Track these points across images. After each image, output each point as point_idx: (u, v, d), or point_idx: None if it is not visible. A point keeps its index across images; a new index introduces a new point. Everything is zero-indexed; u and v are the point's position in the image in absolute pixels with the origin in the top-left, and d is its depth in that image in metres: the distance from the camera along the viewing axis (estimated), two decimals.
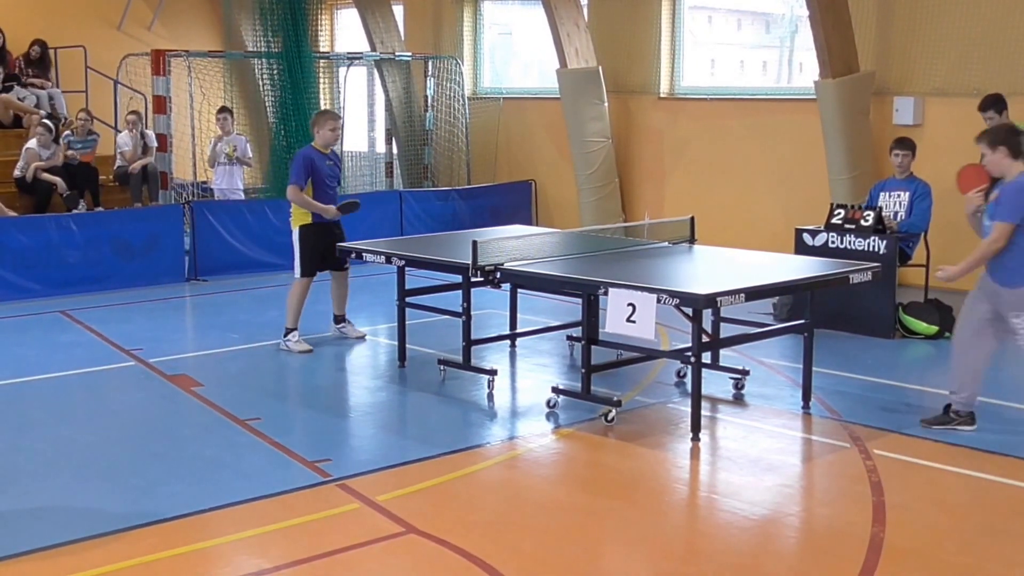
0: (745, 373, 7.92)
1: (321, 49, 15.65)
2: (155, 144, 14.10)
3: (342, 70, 16.18)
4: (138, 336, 9.62)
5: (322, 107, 15.01)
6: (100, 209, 13.53)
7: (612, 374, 7.99)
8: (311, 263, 9.14)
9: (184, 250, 12.52)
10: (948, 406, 6.95)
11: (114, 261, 11.94)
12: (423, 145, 16.66)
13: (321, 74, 15.24)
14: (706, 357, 7.56)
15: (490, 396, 7.81)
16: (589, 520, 5.62)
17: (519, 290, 9.22)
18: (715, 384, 7.81)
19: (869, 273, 7.35)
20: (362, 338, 9.55)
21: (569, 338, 9.05)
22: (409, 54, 16.50)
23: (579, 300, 7.34)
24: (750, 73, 15.21)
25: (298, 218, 9.15)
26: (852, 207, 9.84)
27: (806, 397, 7.50)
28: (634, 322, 6.58)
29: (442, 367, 8.26)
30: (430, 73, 16.57)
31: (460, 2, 16.68)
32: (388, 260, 8.48)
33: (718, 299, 6.58)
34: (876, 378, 8.24)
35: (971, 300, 6.88)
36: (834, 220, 9.84)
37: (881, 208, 9.69)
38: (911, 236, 9.68)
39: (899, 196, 9.80)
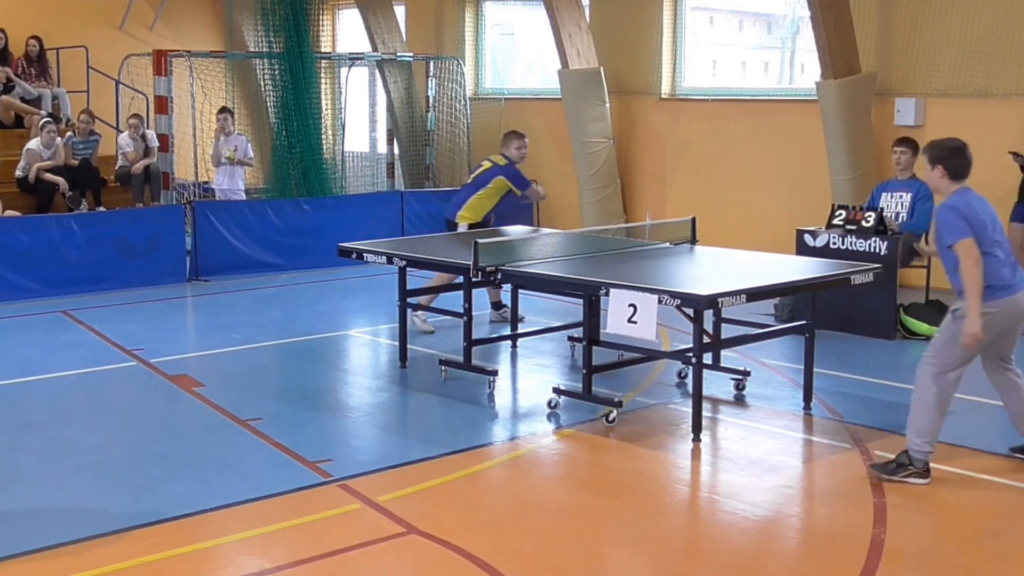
0: (746, 374, 7.92)
1: (323, 49, 15.63)
2: (156, 144, 14.10)
3: (343, 70, 16.19)
4: (139, 336, 9.63)
5: (323, 107, 15.09)
6: (102, 209, 13.53)
7: (613, 375, 7.98)
8: None
9: (185, 250, 12.52)
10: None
11: (116, 261, 11.93)
12: (424, 145, 16.67)
13: (323, 74, 15.25)
14: (707, 358, 7.57)
15: (491, 396, 7.81)
16: (590, 521, 5.62)
17: (520, 290, 9.21)
18: (716, 385, 7.81)
19: (870, 274, 7.34)
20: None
21: (570, 339, 9.04)
22: (411, 54, 16.50)
23: (580, 301, 7.34)
24: (752, 74, 15.21)
25: (468, 216, 9.82)
26: (853, 208, 9.83)
27: (807, 398, 7.50)
28: (635, 323, 6.58)
29: (443, 367, 8.26)
30: (432, 74, 16.57)
31: (462, 2, 16.68)
32: (389, 260, 8.47)
33: (719, 300, 6.57)
34: (877, 379, 8.24)
35: None
36: (835, 221, 9.84)
37: (882, 209, 9.68)
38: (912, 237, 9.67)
39: (901, 197, 9.79)
